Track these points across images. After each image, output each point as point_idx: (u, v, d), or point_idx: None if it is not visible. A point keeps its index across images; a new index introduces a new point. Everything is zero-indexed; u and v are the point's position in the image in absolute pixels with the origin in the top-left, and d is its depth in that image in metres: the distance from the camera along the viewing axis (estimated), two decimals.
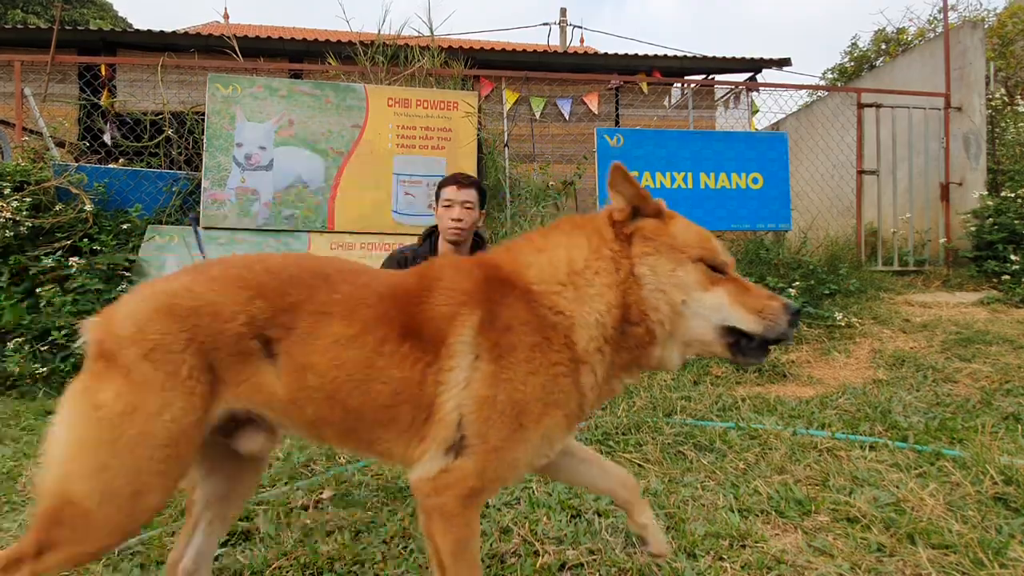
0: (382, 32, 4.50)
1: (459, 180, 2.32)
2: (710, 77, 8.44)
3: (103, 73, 6.26)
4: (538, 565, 1.10)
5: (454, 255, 2.34)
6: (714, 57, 7.97)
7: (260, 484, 1.55)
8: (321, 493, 1.47)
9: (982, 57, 5.37)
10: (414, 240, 2.44)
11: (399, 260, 2.33)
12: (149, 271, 3.42)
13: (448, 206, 2.27)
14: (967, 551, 1.14)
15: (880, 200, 5.41)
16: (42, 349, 2.84)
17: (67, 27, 7.24)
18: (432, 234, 2.37)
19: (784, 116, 7.50)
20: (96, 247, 3.38)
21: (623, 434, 1.91)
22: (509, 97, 5.84)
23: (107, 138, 4.73)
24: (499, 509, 1.36)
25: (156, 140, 4.40)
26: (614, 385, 1.04)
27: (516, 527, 1.25)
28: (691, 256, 0.99)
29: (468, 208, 2.26)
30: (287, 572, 1.12)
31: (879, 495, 1.39)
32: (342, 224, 3.75)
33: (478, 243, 2.43)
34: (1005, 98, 5.84)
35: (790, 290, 3.65)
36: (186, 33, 7.79)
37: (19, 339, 2.84)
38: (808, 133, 6.44)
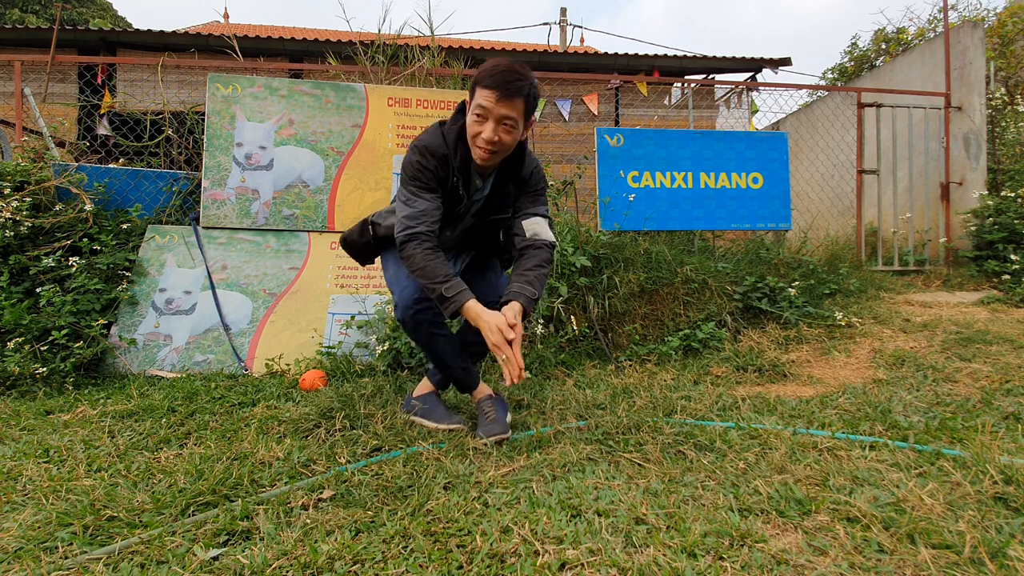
0: (382, 32, 4.50)
1: (502, 84, 1.61)
2: (710, 77, 8.45)
3: (99, 75, 6.29)
4: (538, 565, 1.10)
5: (485, 167, 1.79)
6: (714, 57, 7.99)
7: (260, 484, 1.55)
8: (321, 493, 1.47)
9: (982, 57, 5.37)
10: None
11: (423, 151, 1.71)
12: (149, 271, 3.42)
13: (480, 118, 1.64)
14: (967, 551, 1.14)
15: (880, 200, 5.42)
16: (42, 349, 2.84)
17: (67, 27, 7.25)
18: (463, 132, 1.73)
19: (784, 116, 7.51)
20: (96, 247, 3.39)
21: (623, 434, 1.91)
22: None
23: (100, 130, 4.77)
24: (499, 509, 1.35)
25: (156, 140, 4.41)
26: None
27: (516, 527, 1.24)
28: None
29: (507, 127, 1.65)
30: (287, 572, 1.12)
31: (879, 495, 1.38)
32: (342, 224, 3.75)
33: (519, 156, 1.83)
34: (1005, 98, 5.85)
35: (790, 290, 3.65)
36: (186, 33, 7.79)
37: (19, 339, 2.84)
38: (808, 133, 6.45)
